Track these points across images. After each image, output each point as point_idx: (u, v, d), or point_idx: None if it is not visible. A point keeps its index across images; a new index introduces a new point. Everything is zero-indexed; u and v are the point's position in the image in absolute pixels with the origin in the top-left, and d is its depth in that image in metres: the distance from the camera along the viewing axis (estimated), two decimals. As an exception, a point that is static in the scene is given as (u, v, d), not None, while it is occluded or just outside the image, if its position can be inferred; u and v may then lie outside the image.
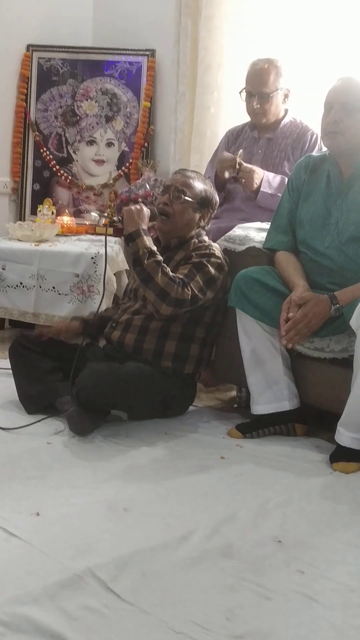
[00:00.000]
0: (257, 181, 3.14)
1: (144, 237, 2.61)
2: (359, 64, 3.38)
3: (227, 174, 3.17)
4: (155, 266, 2.56)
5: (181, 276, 2.59)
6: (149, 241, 2.62)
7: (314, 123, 3.21)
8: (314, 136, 3.26)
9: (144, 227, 2.64)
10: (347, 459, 2.37)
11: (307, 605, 1.61)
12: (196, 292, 2.58)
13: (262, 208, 3.17)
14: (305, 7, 3.58)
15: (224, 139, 3.52)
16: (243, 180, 3.14)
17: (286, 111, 3.36)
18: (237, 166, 3.12)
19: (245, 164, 3.14)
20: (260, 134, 3.36)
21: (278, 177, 3.19)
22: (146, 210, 2.68)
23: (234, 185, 3.27)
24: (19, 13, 4.26)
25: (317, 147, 3.21)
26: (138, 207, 2.67)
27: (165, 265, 2.59)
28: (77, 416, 2.49)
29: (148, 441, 2.50)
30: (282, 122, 3.33)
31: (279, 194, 2.90)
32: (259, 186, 3.15)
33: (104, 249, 2.88)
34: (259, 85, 3.23)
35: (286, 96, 3.31)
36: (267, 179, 3.16)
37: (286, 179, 2.94)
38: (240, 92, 3.31)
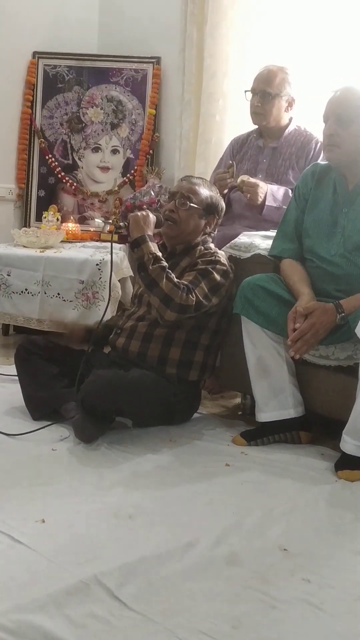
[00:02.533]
0: (261, 195, 3.13)
1: (149, 242, 2.62)
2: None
3: (226, 191, 3.18)
4: (160, 272, 2.57)
5: (186, 282, 2.60)
6: (154, 247, 2.63)
7: (319, 132, 3.21)
8: (319, 144, 3.26)
9: (150, 233, 2.65)
10: (352, 466, 2.36)
11: (313, 614, 1.60)
12: (201, 298, 2.59)
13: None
14: (312, 14, 3.60)
15: (228, 148, 3.53)
16: (248, 195, 3.14)
17: (290, 119, 3.37)
18: (234, 178, 3.11)
19: (248, 180, 3.13)
20: (265, 143, 3.36)
21: (282, 190, 3.18)
22: (152, 217, 2.69)
23: (237, 193, 3.27)
24: (25, 20, 4.29)
25: (321, 155, 3.21)
26: (144, 213, 2.69)
27: (170, 271, 2.60)
28: (82, 423, 2.49)
29: (153, 448, 2.49)
30: (287, 131, 3.34)
31: (284, 207, 2.90)
32: (264, 200, 3.14)
33: (109, 255, 2.88)
34: (263, 83, 3.26)
35: (290, 104, 3.31)
36: (271, 192, 3.15)
37: (290, 191, 2.94)
38: (245, 92, 3.32)
